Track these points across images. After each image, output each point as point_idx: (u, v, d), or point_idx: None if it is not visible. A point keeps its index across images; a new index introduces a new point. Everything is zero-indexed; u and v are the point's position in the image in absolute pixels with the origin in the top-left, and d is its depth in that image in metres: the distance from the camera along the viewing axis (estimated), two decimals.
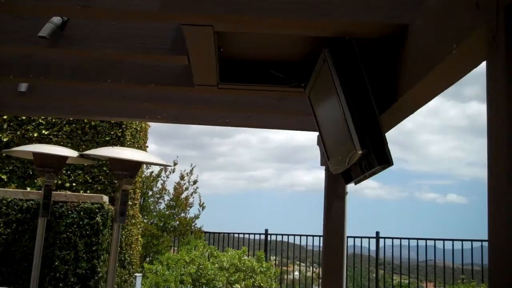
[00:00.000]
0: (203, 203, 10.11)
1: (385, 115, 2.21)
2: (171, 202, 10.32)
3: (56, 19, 2.40)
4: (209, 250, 8.66)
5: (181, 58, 2.52)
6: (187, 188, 10.55)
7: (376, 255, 9.14)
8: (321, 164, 4.21)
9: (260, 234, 9.90)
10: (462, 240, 8.48)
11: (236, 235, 10.49)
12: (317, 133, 4.45)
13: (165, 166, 5.07)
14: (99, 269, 5.07)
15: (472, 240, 8.45)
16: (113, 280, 4.63)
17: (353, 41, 2.20)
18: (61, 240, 5.04)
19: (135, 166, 4.70)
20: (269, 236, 9.83)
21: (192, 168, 10.44)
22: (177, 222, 10.17)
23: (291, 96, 3.44)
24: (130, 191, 5.76)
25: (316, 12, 2.01)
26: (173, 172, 10.48)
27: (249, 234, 10.10)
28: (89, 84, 3.12)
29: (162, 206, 10.32)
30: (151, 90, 3.51)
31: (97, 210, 5.14)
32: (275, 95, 3.25)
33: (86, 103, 3.83)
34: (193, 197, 10.58)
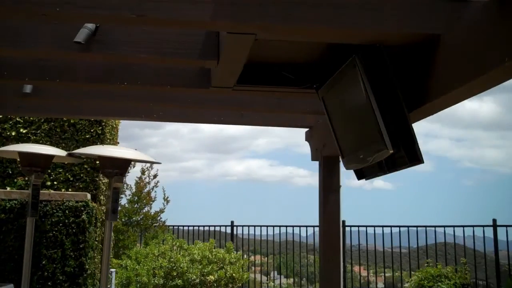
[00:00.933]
0: (167, 197, 10.16)
1: (412, 114, 2.37)
2: (133, 197, 10.30)
3: (90, 25, 2.45)
4: (178, 243, 8.71)
5: (210, 62, 2.61)
6: (148, 183, 10.56)
7: (343, 243, 9.48)
8: (312, 159, 4.38)
9: (226, 226, 10.04)
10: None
11: (197, 228, 10.58)
12: (305, 130, 4.63)
13: (154, 163, 5.10)
14: (87, 267, 5.07)
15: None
16: (107, 277, 4.67)
17: (382, 48, 2.35)
18: (48, 239, 5.01)
19: (125, 164, 4.73)
20: (234, 228, 9.97)
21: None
22: (141, 217, 10.17)
23: (289, 97, 3.59)
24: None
25: (352, 22, 2.14)
26: (134, 166, 10.46)
27: (214, 226, 10.21)
28: (103, 86, 3.15)
29: (124, 201, 10.28)
30: (151, 91, 3.58)
31: (82, 208, 5.14)
32: (286, 96, 3.37)
33: (84, 103, 3.86)
34: (155, 191, 10.60)
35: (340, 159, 3.05)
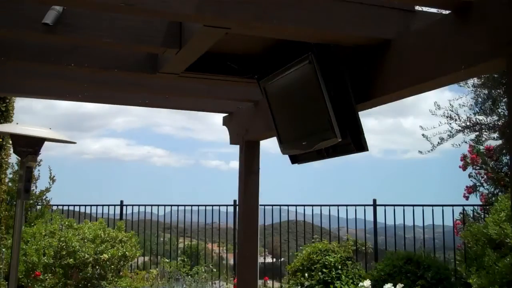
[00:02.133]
0: (53, 176, 9.83)
1: (359, 105, 2.67)
2: (15, 176, 9.83)
3: (59, 7, 2.47)
4: (66, 222, 8.55)
5: (171, 50, 2.72)
6: None
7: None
8: (231, 143, 4.59)
9: (115, 205, 9.96)
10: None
11: (83, 208, 10.40)
12: (223, 115, 4.83)
13: (69, 143, 5.01)
14: None
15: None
16: (18, 259, 4.58)
17: (335, 48, 2.63)
18: None
19: (39, 142, 4.64)
20: (124, 207, 9.94)
21: None
22: None
23: (218, 84, 3.76)
24: None
25: (315, 23, 2.39)
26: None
27: (102, 205, 10.07)
28: (52, 67, 3.13)
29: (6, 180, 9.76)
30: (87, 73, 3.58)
31: None
32: (229, 84, 3.53)
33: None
34: (39, 170, 10.20)
35: (278, 145, 3.29)
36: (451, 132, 8.72)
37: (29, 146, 4.56)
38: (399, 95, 2.52)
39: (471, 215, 8.46)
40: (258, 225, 4.31)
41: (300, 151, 3.13)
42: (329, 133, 2.65)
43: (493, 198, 8.77)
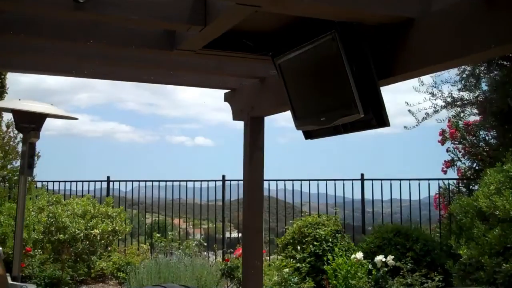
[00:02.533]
0: (38, 152, 9.73)
1: (381, 82, 2.75)
2: None
3: None
4: (54, 198, 8.52)
5: (196, 27, 2.75)
6: (15, 137, 10.03)
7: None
8: (234, 119, 4.64)
9: (102, 181, 9.96)
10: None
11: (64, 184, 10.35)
12: (224, 91, 4.86)
13: (72, 118, 4.99)
14: None
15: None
16: (21, 236, 4.61)
17: (359, 26, 2.70)
18: None
19: (41, 118, 4.63)
20: (111, 183, 9.94)
21: None
22: (5, 172, 9.67)
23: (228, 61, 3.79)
24: None
25: (344, 1, 2.45)
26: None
27: (88, 181, 10.04)
28: (71, 43, 3.14)
29: None
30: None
31: None
32: (237, 61, 3.57)
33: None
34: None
35: (293, 120, 3.35)
36: (435, 108, 8.90)
37: (32, 122, 4.57)
38: (421, 72, 2.61)
39: (449, 189, 8.68)
40: (263, 199, 4.40)
41: (316, 127, 3.20)
42: (352, 109, 2.72)
43: (470, 172, 9.03)
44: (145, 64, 3.86)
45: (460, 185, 8.78)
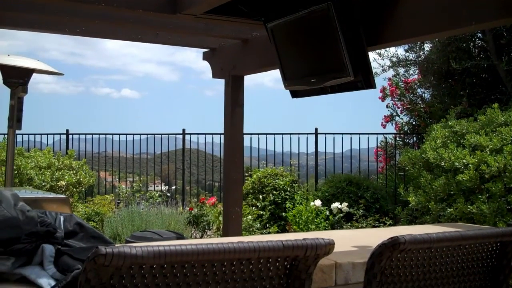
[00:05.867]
0: None
1: (369, 48, 3.17)
2: None
3: None
4: (16, 150, 8.59)
5: None
6: None
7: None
8: (214, 77, 4.97)
9: (60, 134, 10.05)
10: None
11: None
12: (202, 50, 5.16)
13: (57, 74, 5.16)
14: None
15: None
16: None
17: None
18: None
19: (28, 73, 4.83)
20: (70, 136, 10.05)
21: None
22: None
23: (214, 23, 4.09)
24: None
25: None
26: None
27: (47, 134, 10.08)
28: (86, 5, 3.37)
29: None
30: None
31: None
32: (224, 23, 3.88)
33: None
34: None
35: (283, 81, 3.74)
36: (383, 67, 9.48)
37: (19, 77, 4.77)
38: (408, 41, 3.05)
39: (387, 142, 9.41)
40: (243, 152, 4.81)
41: (305, 87, 3.61)
42: (343, 72, 3.14)
43: (407, 127, 9.74)
44: (133, 24, 4.10)
45: (397, 139, 9.44)
